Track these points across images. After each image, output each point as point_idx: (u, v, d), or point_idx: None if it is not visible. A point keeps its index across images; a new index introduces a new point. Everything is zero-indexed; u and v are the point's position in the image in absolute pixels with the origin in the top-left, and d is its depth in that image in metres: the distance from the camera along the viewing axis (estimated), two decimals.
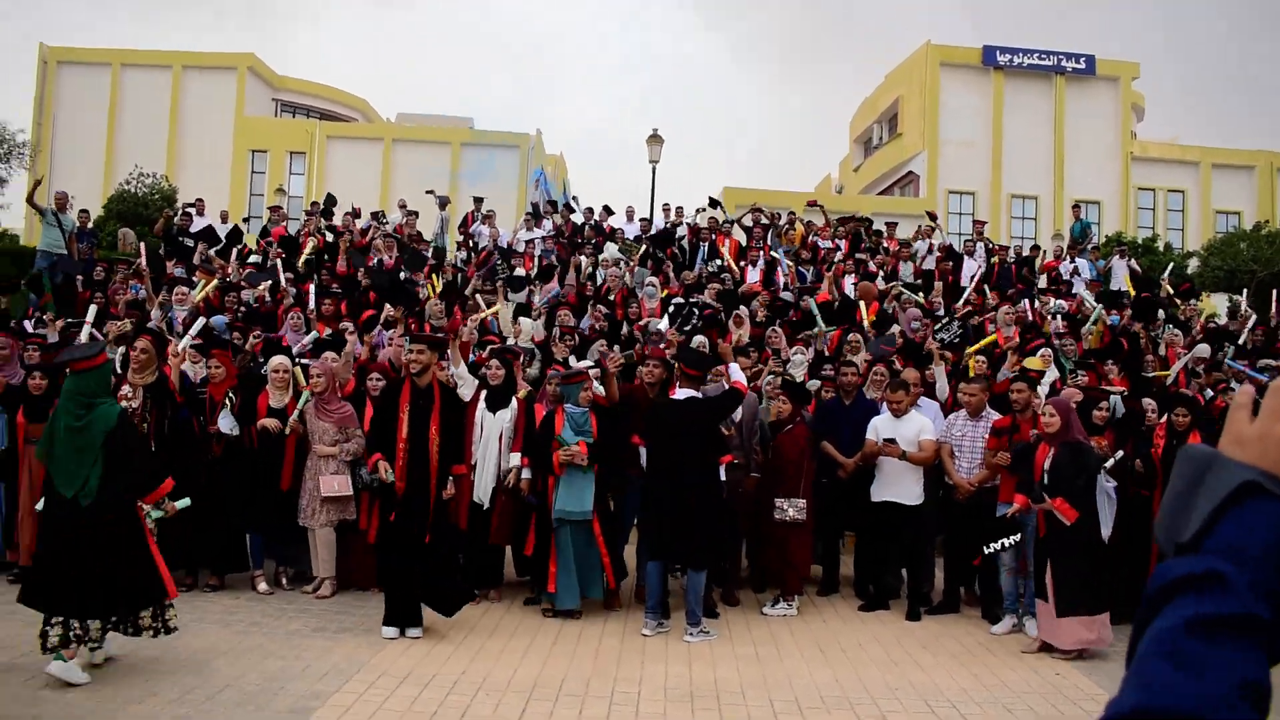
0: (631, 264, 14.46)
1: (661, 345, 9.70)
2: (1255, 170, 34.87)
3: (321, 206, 17.25)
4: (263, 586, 7.75)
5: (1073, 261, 16.31)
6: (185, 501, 5.97)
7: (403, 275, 13.06)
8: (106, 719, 4.98)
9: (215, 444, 7.74)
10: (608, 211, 17.98)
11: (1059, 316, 12.56)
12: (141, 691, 5.38)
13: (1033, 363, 9.40)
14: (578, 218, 18.39)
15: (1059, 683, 6.29)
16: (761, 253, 14.99)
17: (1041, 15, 70.44)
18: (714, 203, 17.57)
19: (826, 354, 10.47)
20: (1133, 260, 17.61)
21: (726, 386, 7.65)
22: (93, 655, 5.63)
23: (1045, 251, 18.06)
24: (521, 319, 10.93)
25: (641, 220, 18.36)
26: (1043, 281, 15.95)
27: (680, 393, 7.40)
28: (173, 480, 5.89)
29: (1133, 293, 14.78)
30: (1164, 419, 8.17)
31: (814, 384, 9.27)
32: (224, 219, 18.53)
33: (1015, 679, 6.32)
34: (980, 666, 6.56)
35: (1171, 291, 14.77)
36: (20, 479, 7.85)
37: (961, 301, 13.24)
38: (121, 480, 5.46)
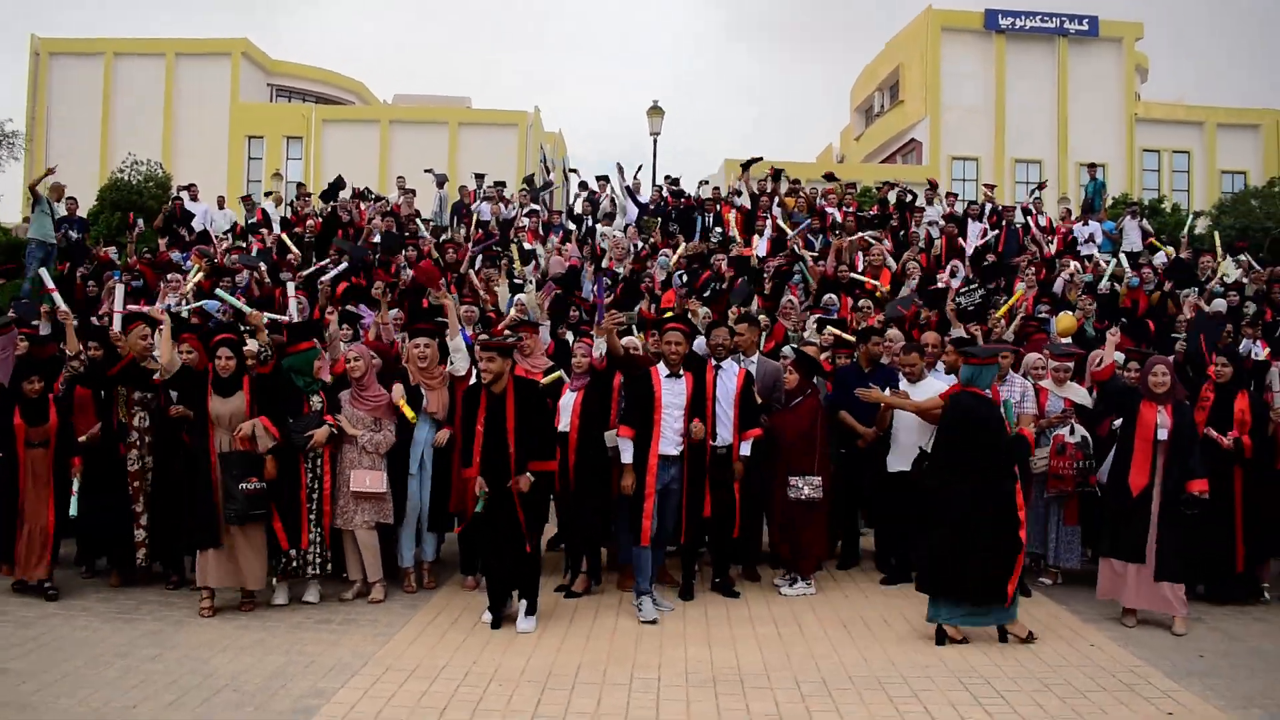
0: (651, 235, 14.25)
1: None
2: (1261, 129, 34.41)
3: (325, 189, 16.98)
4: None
5: (1087, 224, 15.98)
6: None
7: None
8: None
9: (184, 432, 7.18)
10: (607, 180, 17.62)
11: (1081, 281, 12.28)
12: (137, 695, 5.13)
13: (1065, 322, 9.19)
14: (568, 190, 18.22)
15: (1095, 655, 6.04)
16: (769, 221, 14.65)
17: None
18: (749, 163, 17.17)
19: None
20: (1144, 220, 17.25)
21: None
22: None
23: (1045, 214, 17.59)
24: (520, 295, 10.63)
25: (655, 189, 18.13)
26: (1054, 245, 15.61)
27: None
28: None
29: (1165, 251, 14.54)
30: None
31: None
32: (220, 205, 18.30)
33: (1050, 653, 6.06)
34: (1011, 638, 6.30)
35: (1177, 250, 14.48)
36: (21, 485, 7.14)
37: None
38: None
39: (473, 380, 7.31)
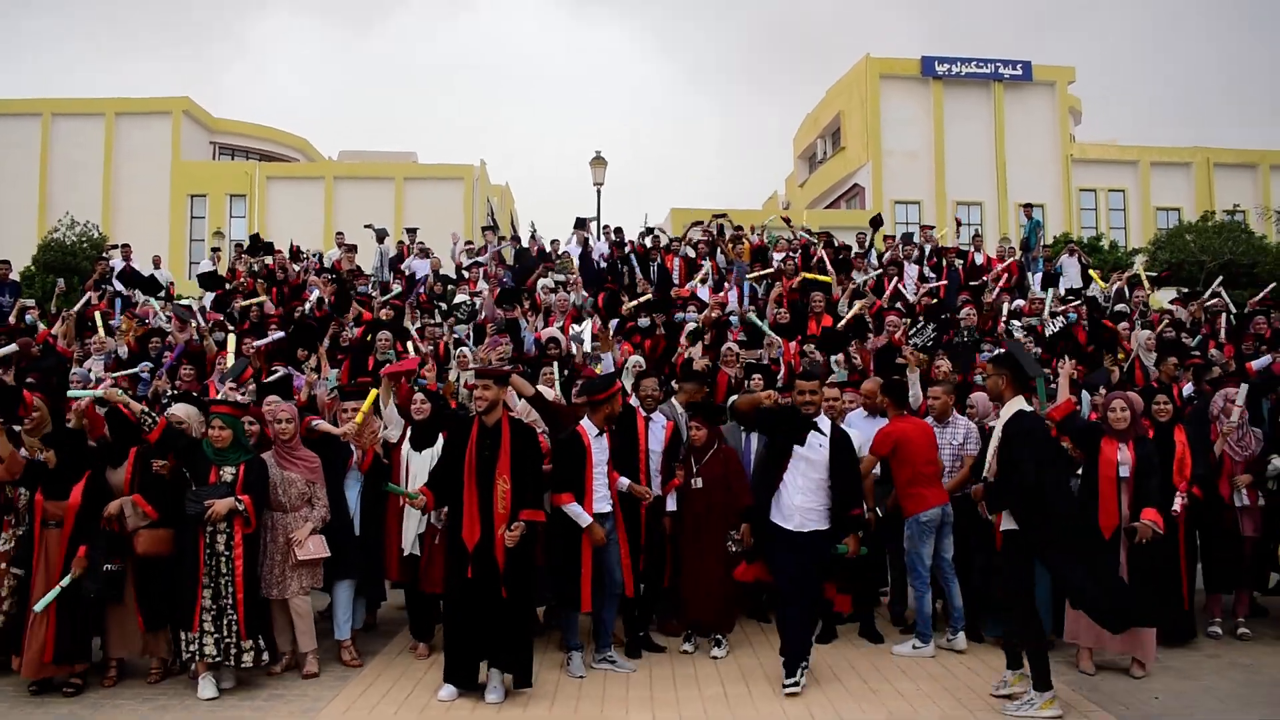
0: (574, 280, 14.06)
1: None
2: (1192, 166, 35.36)
3: (246, 247, 16.72)
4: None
5: (1029, 263, 16.18)
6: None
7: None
8: None
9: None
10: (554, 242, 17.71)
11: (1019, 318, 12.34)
12: None
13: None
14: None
15: None
16: (710, 270, 14.64)
17: (981, 23, 71.62)
18: (649, 231, 17.29)
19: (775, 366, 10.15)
20: (1082, 256, 17.45)
21: None
22: None
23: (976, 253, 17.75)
24: (463, 348, 10.44)
25: (605, 232, 18.24)
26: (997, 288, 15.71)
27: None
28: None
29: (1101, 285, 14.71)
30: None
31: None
32: (156, 264, 17.98)
33: (1003, 701, 5.92)
34: (964, 690, 6.14)
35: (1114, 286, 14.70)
36: (35, 568, 6.31)
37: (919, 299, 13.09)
38: None
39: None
